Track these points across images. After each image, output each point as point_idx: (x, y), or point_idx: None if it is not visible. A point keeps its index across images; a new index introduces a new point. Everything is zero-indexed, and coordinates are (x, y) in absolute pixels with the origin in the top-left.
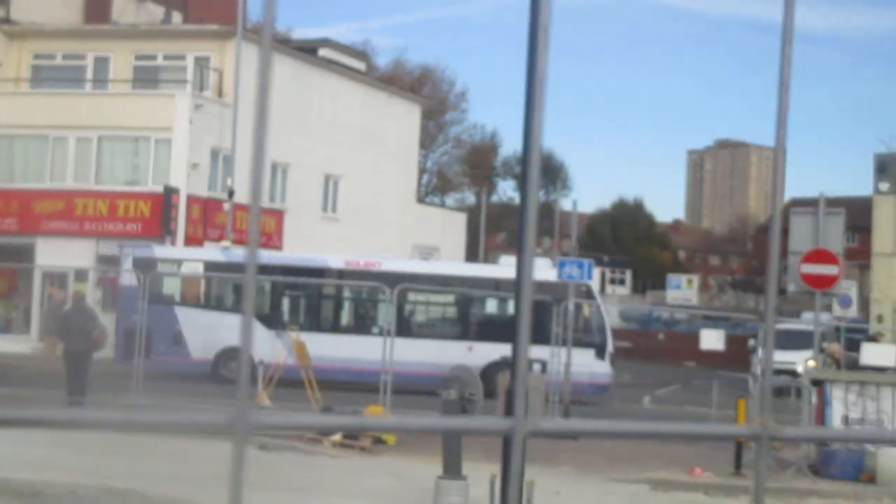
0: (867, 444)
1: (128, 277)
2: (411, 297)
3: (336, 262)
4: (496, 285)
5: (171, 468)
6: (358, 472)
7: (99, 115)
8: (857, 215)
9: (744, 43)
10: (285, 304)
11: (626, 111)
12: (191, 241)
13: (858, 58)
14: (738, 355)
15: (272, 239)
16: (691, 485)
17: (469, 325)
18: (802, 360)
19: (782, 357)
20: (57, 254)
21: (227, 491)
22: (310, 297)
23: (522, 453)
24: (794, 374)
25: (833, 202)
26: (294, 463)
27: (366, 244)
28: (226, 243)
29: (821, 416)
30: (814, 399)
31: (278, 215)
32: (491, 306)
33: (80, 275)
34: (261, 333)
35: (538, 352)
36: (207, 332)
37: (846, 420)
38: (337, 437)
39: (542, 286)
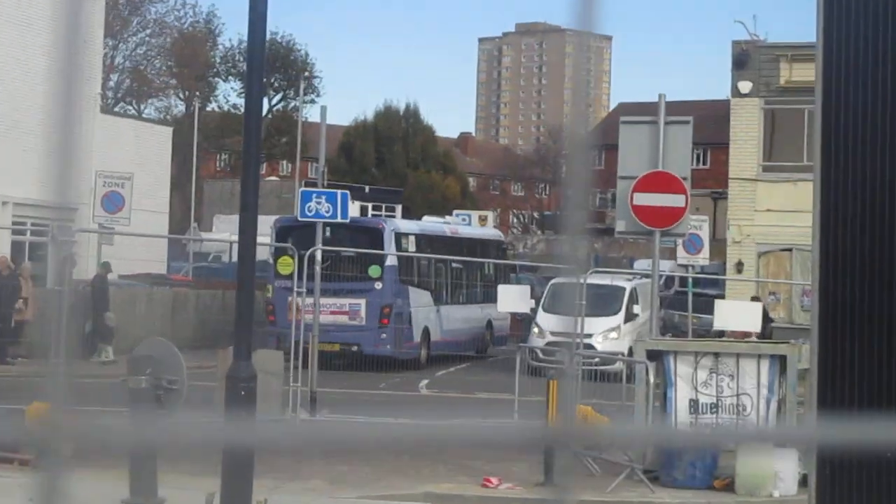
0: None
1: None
2: None
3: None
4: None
5: None
6: (12, 493)
7: None
8: (710, 126)
9: None
10: None
11: None
12: None
13: None
14: None
15: None
16: (484, 500)
17: None
18: (603, 330)
19: (568, 325)
20: None
21: None
22: None
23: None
24: (589, 347)
25: (677, 108)
26: None
27: (11, 173)
28: None
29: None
30: (651, 378)
31: None
32: None
33: None
34: None
35: None
36: None
37: (695, 406)
38: None
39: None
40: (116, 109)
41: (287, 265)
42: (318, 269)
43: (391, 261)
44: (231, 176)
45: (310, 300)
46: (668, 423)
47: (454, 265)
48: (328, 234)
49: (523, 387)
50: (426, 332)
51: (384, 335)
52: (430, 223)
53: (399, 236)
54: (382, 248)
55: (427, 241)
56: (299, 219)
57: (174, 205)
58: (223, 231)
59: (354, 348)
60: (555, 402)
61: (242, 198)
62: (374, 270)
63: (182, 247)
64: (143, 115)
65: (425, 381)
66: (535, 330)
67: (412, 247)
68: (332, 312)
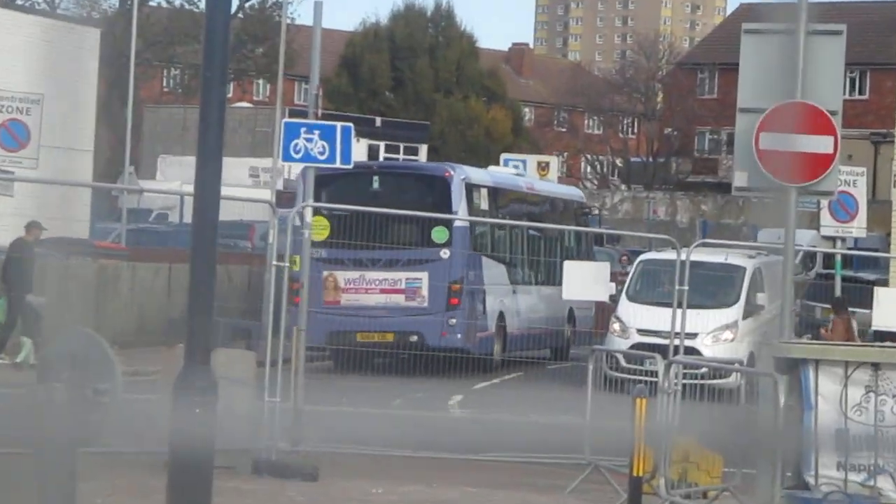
0: (887, 490)
1: None
2: None
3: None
4: None
5: None
6: None
7: None
8: (872, 39)
9: None
10: None
11: None
12: None
13: None
14: None
15: None
16: None
17: None
18: (713, 328)
19: (662, 320)
20: None
21: None
22: None
23: None
24: (692, 352)
25: (824, 12)
26: None
27: None
28: None
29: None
30: (782, 398)
31: None
32: None
33: None
34: None
35: None
36: None
37: (845, 437)
38: None
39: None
40: (19, 2)
41: (322, 229)
42: (306, 233)
43: (461, 221)
44: (183, 100)
45: (354, 274)
46: (806, 461)
47: (531, 232)
48: (375, 185)
49: (598, 407)
50: (501, 319)
51: (453, 320)
52: (500, 174)
53: (470, 189)
54: (449, 205)
55: (501, 198)
56: (339, 165)
57: (101, 140)
58: (171, 178)
59: (414, 338)
60: (643, 429)
61: (201, 131)
62: (439, 234)
63: (112, 200)
64: (59, 11)
65: (458, 398)
66: (616, 327)
67: (484, 204)
68: (384, 291)
